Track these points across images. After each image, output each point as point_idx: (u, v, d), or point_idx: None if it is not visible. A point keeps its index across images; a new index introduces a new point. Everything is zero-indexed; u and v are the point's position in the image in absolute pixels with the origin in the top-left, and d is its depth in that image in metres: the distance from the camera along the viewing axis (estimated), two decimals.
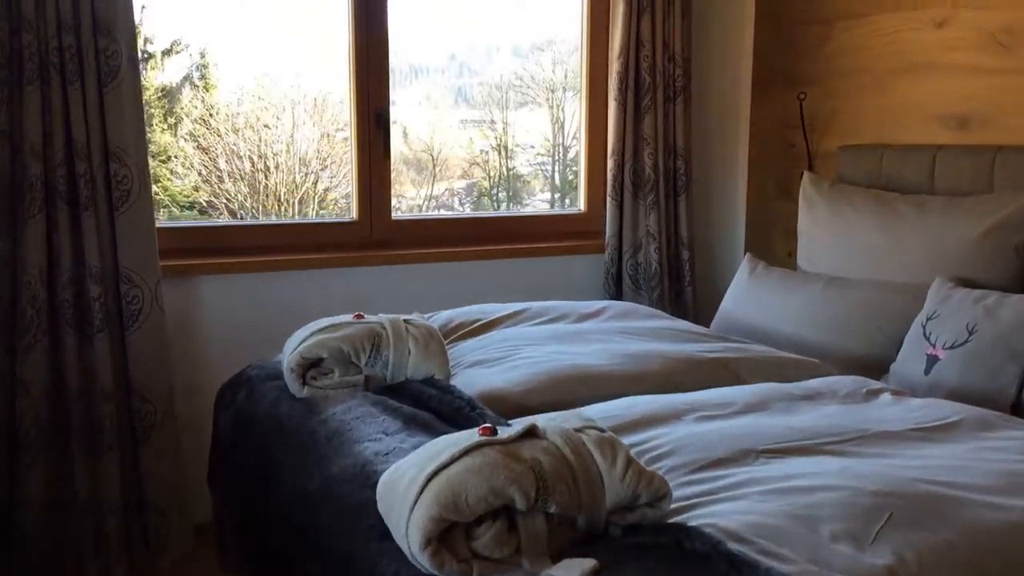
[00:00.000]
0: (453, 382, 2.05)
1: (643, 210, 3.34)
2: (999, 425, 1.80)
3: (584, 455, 1.35)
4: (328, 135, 3.34)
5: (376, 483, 1.46)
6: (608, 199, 3.35)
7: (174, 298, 2.75)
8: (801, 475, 1.49)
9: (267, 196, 3.31)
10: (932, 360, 2.22)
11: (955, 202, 2.55)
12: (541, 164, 3.79)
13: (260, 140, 3.26)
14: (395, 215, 3.22)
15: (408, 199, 3.57)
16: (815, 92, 3.19)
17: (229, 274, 2.85)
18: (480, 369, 2.16)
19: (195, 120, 3.18)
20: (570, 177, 3.75)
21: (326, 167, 3.37)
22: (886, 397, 1.99)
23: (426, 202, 3.62)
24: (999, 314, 2.16)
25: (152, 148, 2.98)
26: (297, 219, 3.31)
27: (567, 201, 3.76)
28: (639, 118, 3.31)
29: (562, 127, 3.71)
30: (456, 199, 3.72)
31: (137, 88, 2.54)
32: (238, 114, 3.22)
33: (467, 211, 3.69)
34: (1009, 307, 2.17)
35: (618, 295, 3.37)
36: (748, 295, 2.88)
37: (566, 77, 3.63)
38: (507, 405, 1.92)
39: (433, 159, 3.57)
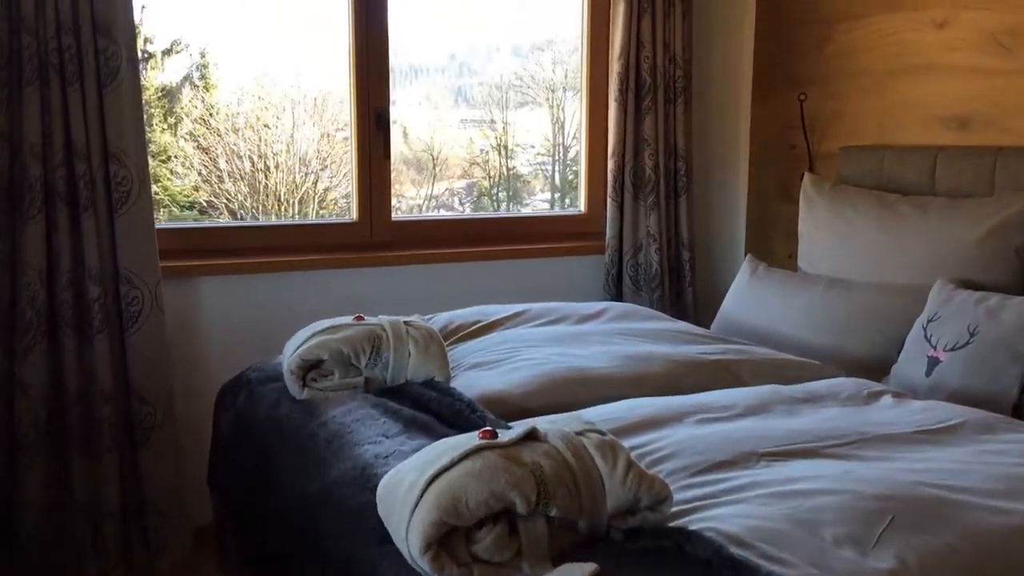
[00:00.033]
0: (453, 384, 2.05)
1: (643, 211, 3.34)
2: (1000, 428, 1.80)
3: (585, 458, 1.34)
4: (328, 135, 3.34)
5: (376, 486, 1.46)
6: (608, 200, 3.35)
7: (174, 299, 2.75)
8: (802, 478, 1.49)
9: (267, 196, 3.30)
10: (933, 362, 2.21)
11: (956, 203, 2.55)
12: (541, 164, 3.79)
13: (260, 140, 3.26)
14: (395, 215, 3.22)
15: (408, 199, 3.57)
16: (816, 93, 3.18)
17: (229, 275, 2.85)
18: (480, 371, 2.16)
19: (195, 120, 3.17)
20: (570, 177, 3.74)
21: (326, 167, 3.37)
22: (887, 399, 1.98)
23: (426, 202, 3.62)
24: (1000, 316, 2.16)
25: (152, 148, 2.98)
26: (297, 220, 3.30)
27: (567, 201, 3.75)
28: (639, 119, 3.31)
29: (562, 127, 3.71)
30: (456, 199, 3.72)
31: (137, 89, 2.54)
32: (238, 114, 3.22)
33: (467, 212, 3.69)
34: (1010, 309, 2.16)
35: (618, 296, 3.37)
36: (749, 296, 2.87)
37: (566, 77, 3.63)
38: (507, 407, 1.91)
39: (433, 159, 3.57)
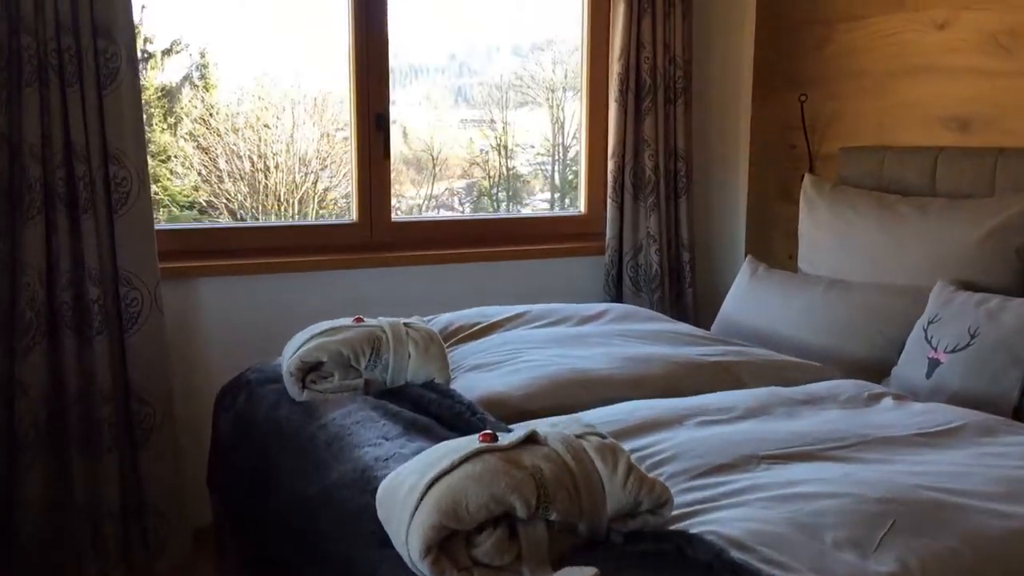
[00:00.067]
0: (453, 386, 2.04)
1: (643, 212, 3.34)
2: (1001, 430, 1.80)
3: (585, 462, 1.34)
4: (328, 135, 3.34)
5: (376, 489, 1.45)
6: (608, 201, 3.35)
7: (173, 300, 2.75)
8: (803, 481, 1.49)
9: (267, 196, 3.30)
10: (934, 364, 2.21)
11: (956, 204, 2.54)
12: (541, 164, 3.79)
13: (260, 140, 3.26)
14: (395, 215, 3.21)
15: (408, 199, 3.57)
16: (816, 94, 3.18)
17: (228, 276, 2.85)
18: (480, 373, 2.16)
19: (195, 120, 3.17)
20: (570, 177, 3.74)
21: (326, 167, 3.36)
22: (888, 402, 1.98)
23: (426, 202, 3.62)
24: (1001, 318, 2.16)
25: (152, 148, 2.98)
26: (297, 221, 3.30)
27: (567, 201, 3.75)
28: (639, 120, 3.30)
29: (562, 127, 3.70)
30: (456, 199, 3.71)
31: (136, 90, 2.53)
32: (238, 114, 3.22)
33: (467, 212, 3.69)
34: (1011, 311, 2.16)
35: (618, 297, 3.37)
36: (749, 297, 2.87)
37: (566, 77, 3.63)
38: (507, 409, 1.91)
39: (433, 159, 3.56)
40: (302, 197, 3.35)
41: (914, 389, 2.20)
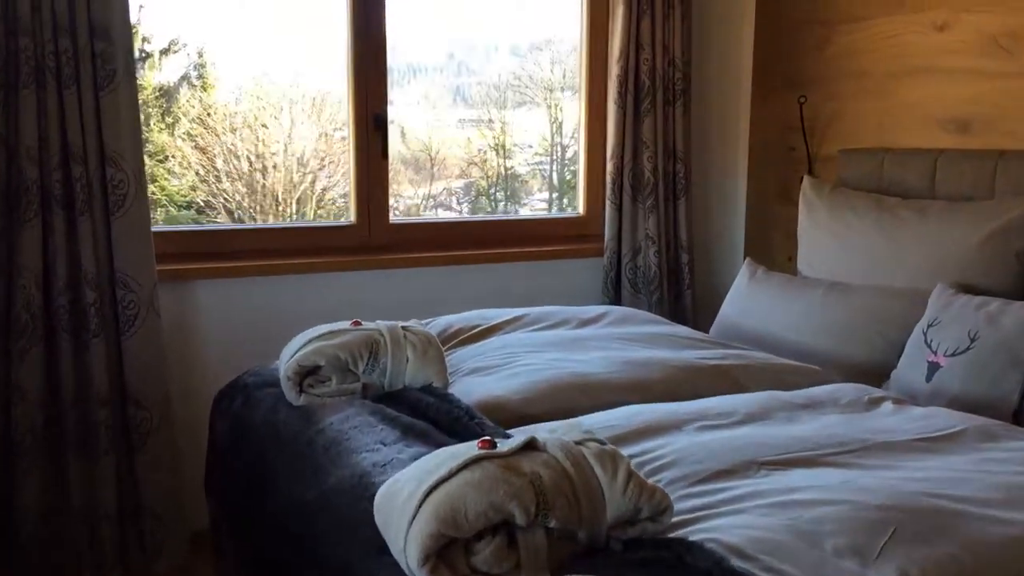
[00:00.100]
0: (451, 390, 2.04)
1: (642, 213, 3.33)
2: (1002, 435, 1.79)
3: (585, 468, 1.33)
4: (326, 135, 3.33)
5: (374, 495, 1.45)
6: (607, 202, 3.34)
7: (170, 303, 2.74)
8: (803, 488, 1.48)
9: (265, 196, 3.29)
10: (933, 367, 2.20)
11: (956, 207, 2.54)
12: (539, 164, 3.78)
13: (258, 140, 3.25)
14: (393, 215, 3.21)
15: (406, 199, 3.56)
16: (816, 95, 3.17)
17: (226, 278, 2.84)
18: (479, 376, 2.15)
19: (193, 120, 3.16)
20: (568, 177, 3.73)
21: (324, 167, 3.35)
22: (888, 406, 1.98)
23: (424, 201, 3.61)
24: (1001, 321, 2.15)
25: (149, 148, 2.97)
26: (294, 223, 3.29)
27: (565, 201, 3.74)
28: (638, 121, 3.30)
29: (560, 127, 3.70)
30: (454, 198, 3.71)
31: (133, 92, 2.52)
32: (236, 114, 3.21)
33: (465, 213, 3.68)
34: (1011, 314, 2.15)
35: (617, 299, 3.36)
36: (748, 300, 2.86)
37: (564, 77, 3.62)
38: (506, 413, 1.90)
39: (431, 158, 3.56)
40: (300, 197, 3.34)
41: (914, 392, 2.19)
